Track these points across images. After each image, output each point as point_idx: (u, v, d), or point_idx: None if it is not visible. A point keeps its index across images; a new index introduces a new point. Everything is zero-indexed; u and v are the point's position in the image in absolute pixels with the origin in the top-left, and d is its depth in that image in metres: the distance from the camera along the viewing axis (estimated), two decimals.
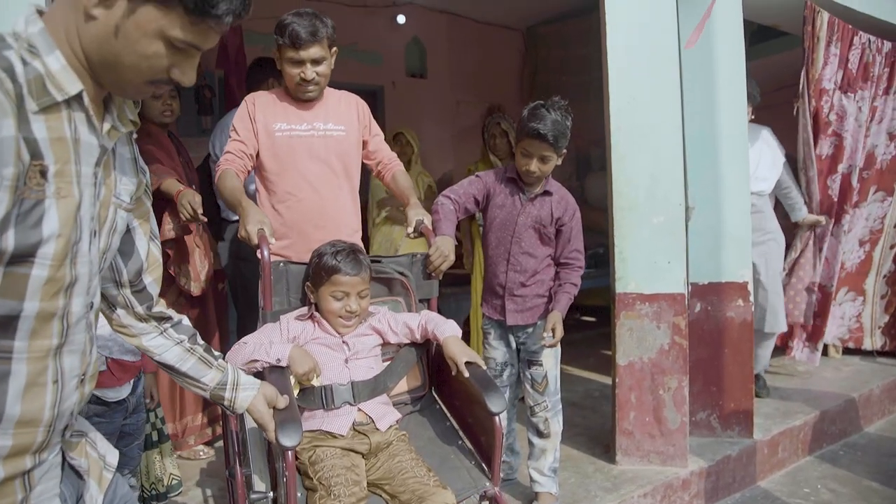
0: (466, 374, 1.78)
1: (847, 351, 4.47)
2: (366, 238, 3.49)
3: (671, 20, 2.74)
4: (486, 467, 1.84)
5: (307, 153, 2.26)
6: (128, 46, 0.90)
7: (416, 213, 2.23)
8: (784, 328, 3.70)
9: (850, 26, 3.68)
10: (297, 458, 1.69)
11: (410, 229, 2.19)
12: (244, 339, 1.85)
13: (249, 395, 1.37)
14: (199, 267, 2.84)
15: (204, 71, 4.36)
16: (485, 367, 1.85)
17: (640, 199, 2.70)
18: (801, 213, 3.80)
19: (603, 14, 2.71)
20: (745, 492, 2.96)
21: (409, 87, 5.73)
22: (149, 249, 1.18)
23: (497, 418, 1.72)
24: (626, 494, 2.54)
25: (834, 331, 4.30)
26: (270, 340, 1.82)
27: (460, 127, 6.07)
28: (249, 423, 1.76)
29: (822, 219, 3.85)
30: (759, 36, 4.69)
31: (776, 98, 3.60)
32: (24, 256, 0.85)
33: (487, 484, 1.80)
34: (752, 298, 3.01)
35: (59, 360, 0.94)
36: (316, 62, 2.17)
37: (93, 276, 0.99)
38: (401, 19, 5.55)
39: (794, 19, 3.57)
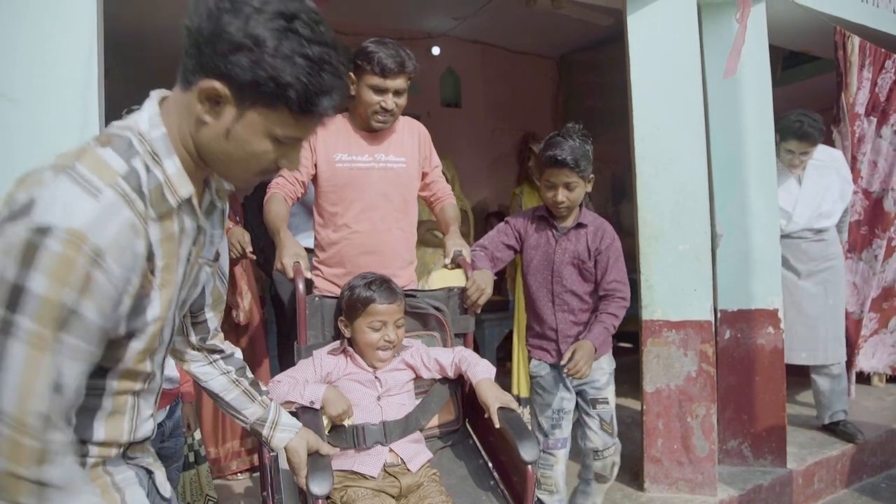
0: (498, 425, 1.73)
1: (890, 380, 4.34)
2: None
3: (694, 48, 2.78)
4: None
5: (366, 185, 2.23)
6: (238, 147, 0.98)
7: (455, 244, 2.19)
8: (843, 357, 3.52)
9: (883, 49, 3.65)
10: (328, 497, 1.68)
11: (448, 260, 2.16)
12: (278, 377, 1.87)
13: (286, 437, 1.44)
14: (245, 296, 2.98)
15: None
16: (519, 411, 1.81)
17: (666, 227, 2.73)
18: (844, 237, 3.67)
19: (626, 42, 2.77)
20: None
21: (444, 117, 5.84)
22: (214, 286, 1.27)
23: (530, 467, 1.67)
24: None
25: (885, 359, 4.09)
26: (305, 379, 1.83)
27: (495, 155, 6.15)
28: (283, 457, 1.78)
29: None
30: (790, 61, 4.68)
31: None
32: (129, 336, 0.97)
33: None
34: (782, 325, 2.98)
35: (137, 398, 1.07)
36: (398, 93, 2.17)
37: (174, 332, 1.11)
38: (436, 51, 5.69)
39: (825, 44, 3.57)
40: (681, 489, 2.73)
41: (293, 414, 1.66)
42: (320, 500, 1.47)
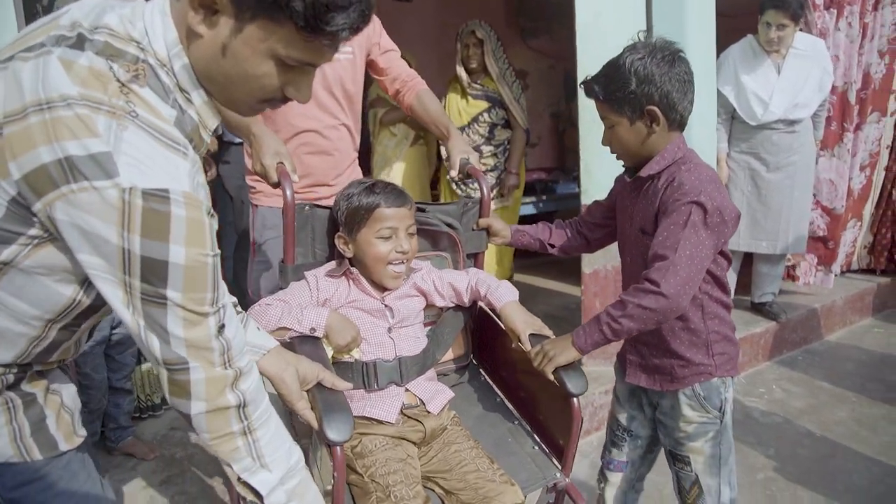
0: (528, 347, 1.49)
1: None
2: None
3: None
4: (547, 450, 1.59)
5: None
6: (237, 66, 0.85)
7: (460, 151, 1.92)
8: (803, 249, 3.66)
9: None
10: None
11: (455, 172, 1.91)
12: (267, 299, 1.55)
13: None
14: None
15: None
16: (551, 335, 1.53)
17: None
18: (819, 134, 3.66)
19: None
20: None
21: (392, 10, 5.66)
22: None
23: (574, 400, 1.41)
24: (588, 392, 2.71)
25: (840, 259, 4.24)
26: (300, 304, 1.53)
27: (446, 50, 6.01)
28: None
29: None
30: None
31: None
32: None
33: (558, 475, 1.51)
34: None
35: (92, 329, 1.05)
36: None
37: None
38: None
39: None
40: (611, 364, 2.93)
41: (287, 345, 1.40)
42: (338, 449, 1.19)
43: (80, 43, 0.78)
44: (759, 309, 3.68)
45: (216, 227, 0.88)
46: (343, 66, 2.10)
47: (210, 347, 0.87)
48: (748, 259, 3.72)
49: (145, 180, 0.76)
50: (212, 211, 0.87)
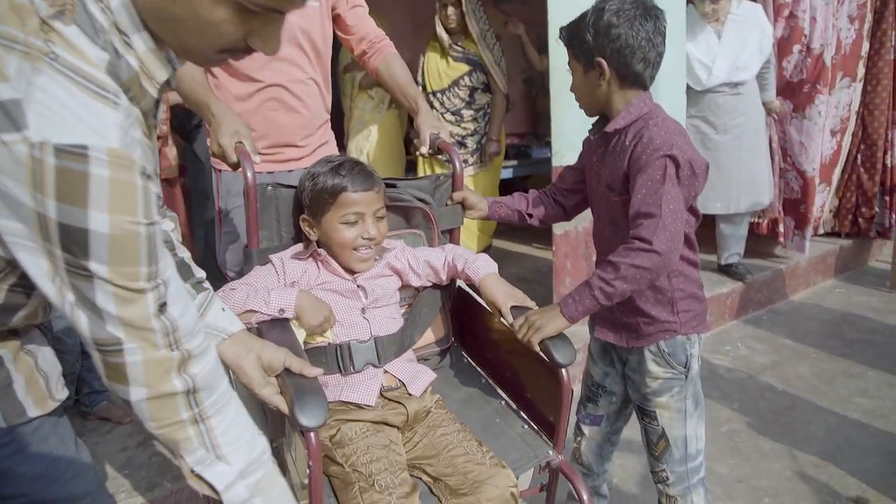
0: (510, 320, 1.44)
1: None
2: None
3: None
4: (537, 429, 1.52)
5: None
6: (188, 9, 0.72)
7: (430, 126, 1.83)
8: (765, 204, 3.71)
9: None
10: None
11: (425, 148, 1.82)
12: (231, 284, 1.47)
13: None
14: (168, 152, 3.07)
15: None
16: (534, 306, 1.48)
17: None
18: (769, 95, 3.69)
19: None
20: None
21: None
22: None
23: (563, 372, 1.34)
24: None
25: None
26: (266, 287, 1.45)
27: (419, 18, 5.96)
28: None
29: (779, 104, 3.77)
30: None
31: None
32: None
33: (550, 452, 1.45)
34: None
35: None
36: None
37: None
38: None
39: None
40: (586, 322, 2.99)
41: (255, 331, 1.33)
42: (312, 436, 1.10)
43: None
44: (725, 270, 3.77)
45: (157, 190, 0.77)
46: (309, 16, 1.92)
47: (150, 328, 0.77)
48: (710, 221, 3.79)
49: (59, 134, 0.66)
50: (148, 171, 0.74)
